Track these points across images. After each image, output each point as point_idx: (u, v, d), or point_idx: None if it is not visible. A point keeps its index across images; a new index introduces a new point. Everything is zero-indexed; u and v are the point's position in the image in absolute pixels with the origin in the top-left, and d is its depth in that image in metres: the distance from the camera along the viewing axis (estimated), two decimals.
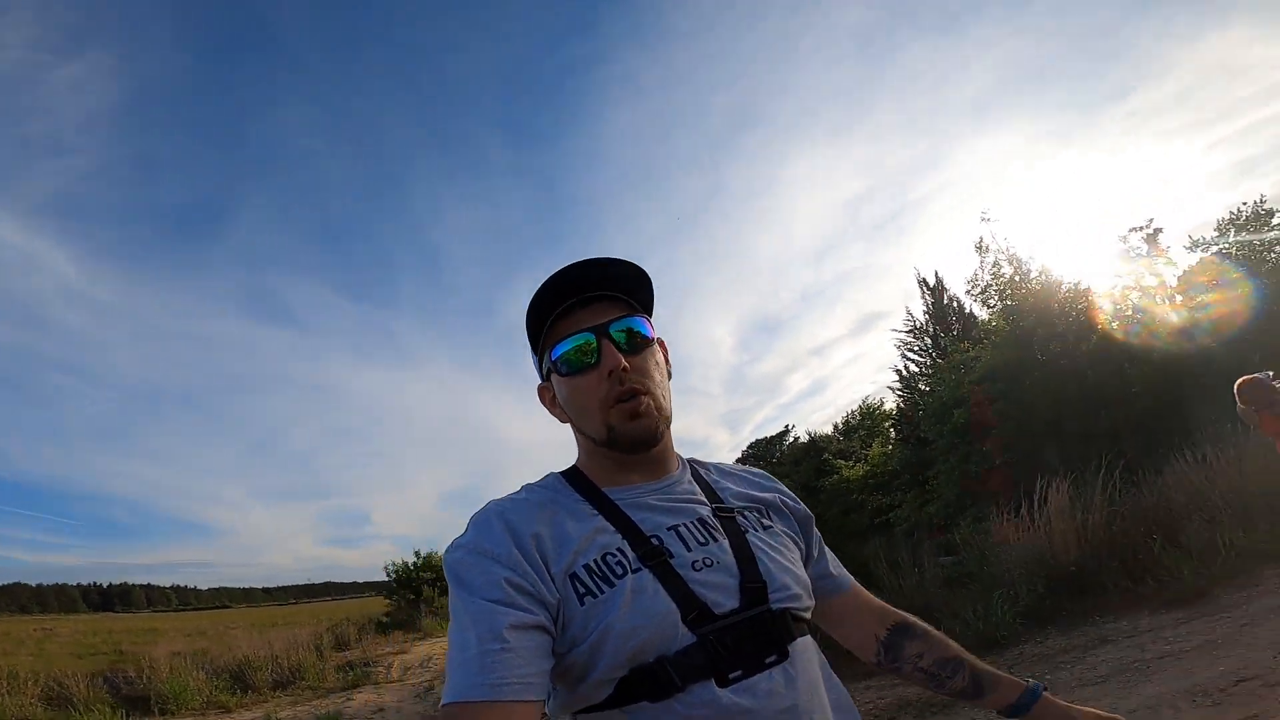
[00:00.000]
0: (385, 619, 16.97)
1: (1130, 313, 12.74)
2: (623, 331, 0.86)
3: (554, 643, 0.74)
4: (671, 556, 0.79)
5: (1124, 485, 6.45)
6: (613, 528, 0.82)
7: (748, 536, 0.85)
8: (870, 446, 17.89)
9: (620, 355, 0.84)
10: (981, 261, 12.30)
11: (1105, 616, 4.76)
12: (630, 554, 0.79)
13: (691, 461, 0.98)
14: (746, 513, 0.90)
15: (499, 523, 0.79)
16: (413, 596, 18.54)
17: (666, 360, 0.95)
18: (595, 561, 0.78)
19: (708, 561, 0.80)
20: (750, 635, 0.76)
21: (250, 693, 8.23)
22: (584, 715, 0.78)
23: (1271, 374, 4.77)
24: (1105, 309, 12.26)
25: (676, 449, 0.96)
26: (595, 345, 0.85)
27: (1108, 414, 10.20)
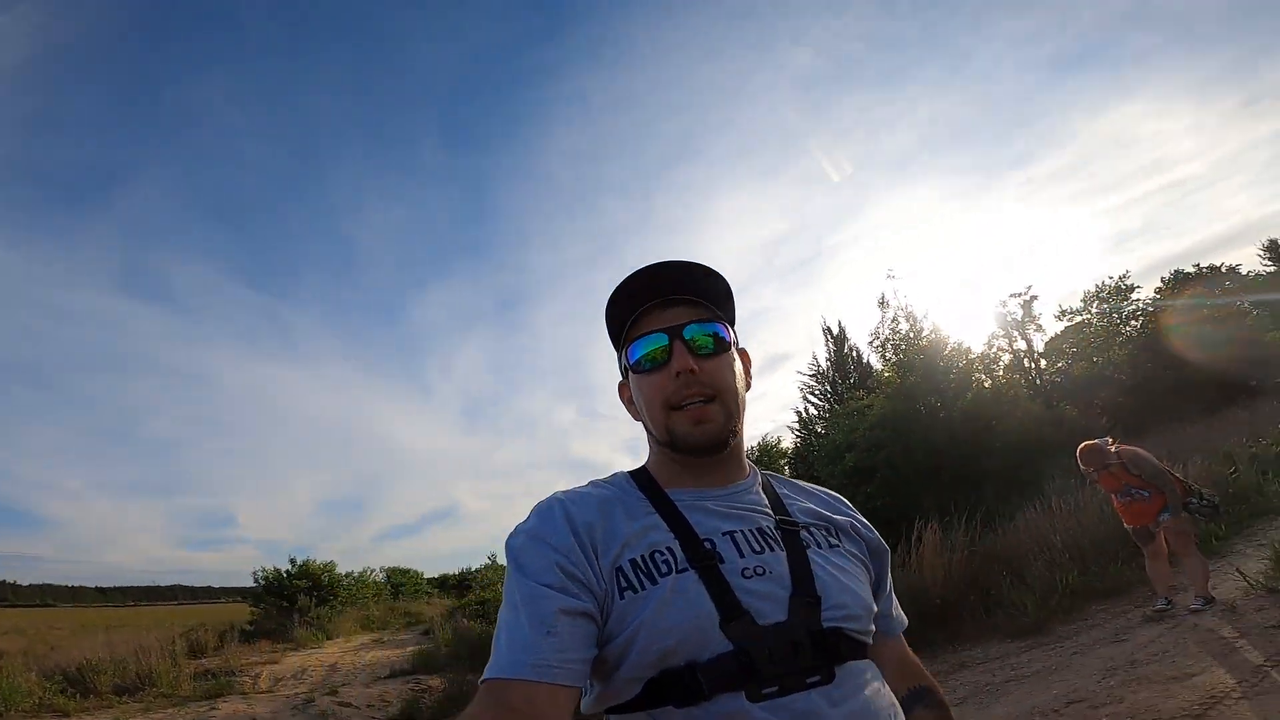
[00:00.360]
0: (249, 627, 15.73)
1: (1000, 374, 14.33)
2: (697, 335, 0.86)
3: (599, 632, 0.74)
4: (722, 561, 0.77)
5: (985, 528, 7.24)
6: (666, 526, 0.81)
7: (809, 552, 0.82)
8: None
9: (690, 358, 0.84)
10: (882, 316, 13.42)
11: (964, 644, 5.34)
12: (679, 554, 0.78)
13: (765, 474, 0.96)
14: (813, 529, 0.87)
15: (560, 511, 0.81)
16: (285, 604, 17.33)
17: (747, 371, 0.95)
18: (642, 557, 0.78)
19: (759, 570, 0.77)
20: (794, 650, 0.73)
21: (91, 697, 7.41)
22: (614, 714, 0.77)
23: (1110, 440, 5.61)
24: (980, 369, 13.74)
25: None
26: (668, 346, 0.85)
27: (976, 465, 11.38)
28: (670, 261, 0.87)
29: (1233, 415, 12.96)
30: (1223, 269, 32.98)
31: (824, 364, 18.55)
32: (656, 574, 0.76)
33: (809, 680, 0.72)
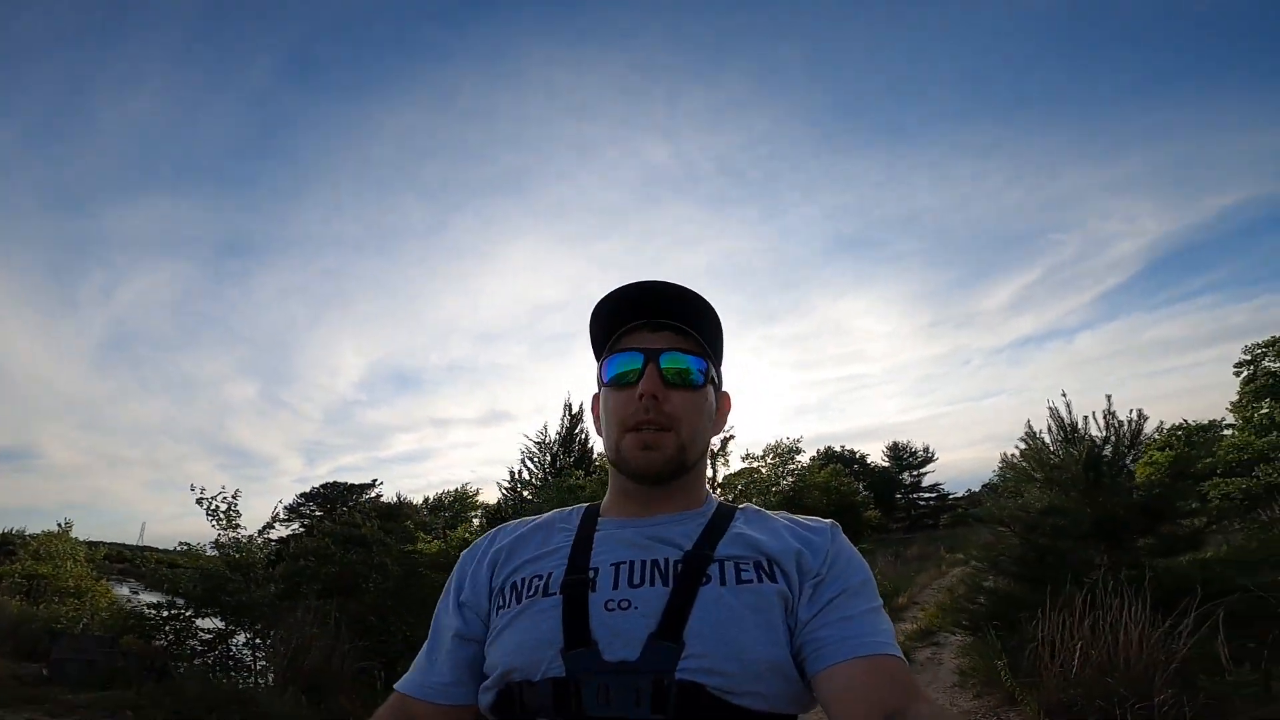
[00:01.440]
0: None
1: None
2: (674, 364, 0.84)
3: (483, 655, 0.81)
4: (594, 590, 0.76)
5: None
6: (565, 553, 0.82)
7: (705, 589, 0.74)
8: (455, 528, 17.98)
9: (659, 384, 0.82)
10: None
11: None
12: (556, 579, 0.78)
13: (746, 507, 0.90)
14: (732, 563, 0.77)
15: (488, 538, 0.92)
16: None
17: (722, 414, 0.94)
18: (523, 579, 0.81)
19: (621, 604, 0.74)
20: (631, 695, 0.67)
21: None
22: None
23: None
24: None
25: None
26: (641, 368, 0.83)
27: None
28: (668, 283, 0.85)
29: None
30: (856, 454, 43.10)
31: (554, 435, 18.94)
32: (525, 595, 0.79)
33: None
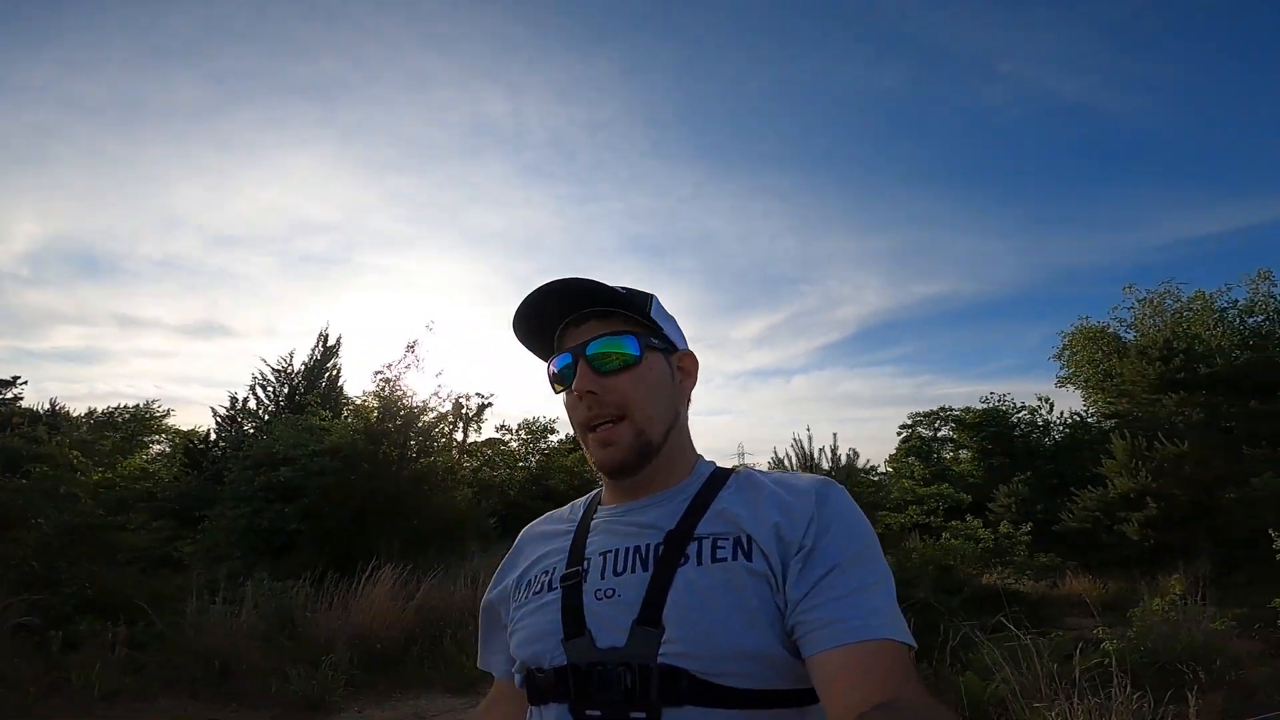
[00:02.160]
0: None
1: (450, 452, 15.63)
2: (601, 350, 0.83)
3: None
4: (586, 581, 0.80)
5: (433, 584, 7.52)
6: (567, 547, 0.86)
7: (682, 570, 0.74)
8: (130, 455, 14.77)
9: (592, 377, 0.82)
10: (402, 359, 13.15)
11: (410, 693, 5.26)
12: (558, 573, 0.83)
13: (741, 472, 0.89)
14: (710, 541, 0.77)
15: (521, 538, 0.99)
16: None
17: (685, 371, 0.92)
18: (535, 575, 0.87)
19: (608, 593, 0.77)
20: (620, 680, 0.70)
21: None
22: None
23: None
24: (444, 441, 14.74)
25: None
26: (572, 364, 0.84)
27: (411, 523, 11.77)
28: (578, 278, 0.84)
29: None
30: None
31: (299, 365, 16.56)
32: (533, 590, 0.85)
33: (632, 715, 0.69)
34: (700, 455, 0.93)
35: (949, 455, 22.42)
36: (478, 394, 14.46)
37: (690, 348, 0.95)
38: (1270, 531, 6.87)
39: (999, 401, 22.06)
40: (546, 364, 0.90)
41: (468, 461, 14.76)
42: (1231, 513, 12.48)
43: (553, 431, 32.61)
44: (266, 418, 15.37)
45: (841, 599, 0.69)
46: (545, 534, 0.94)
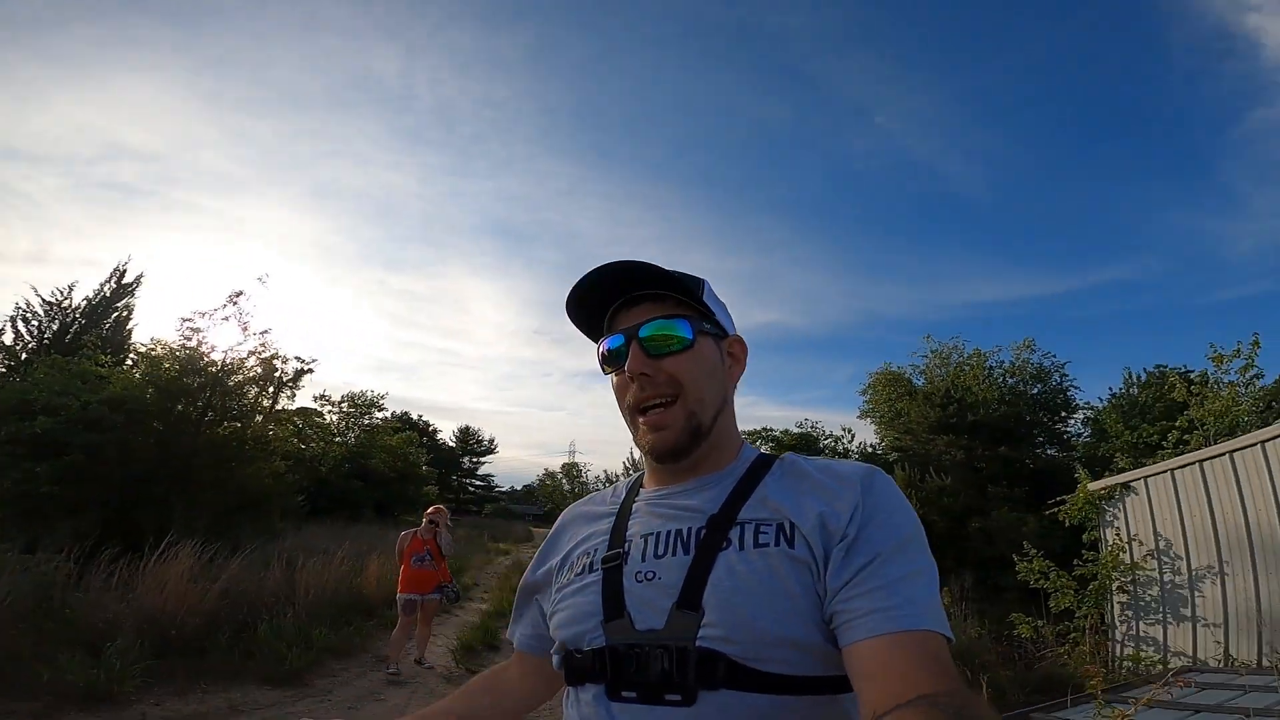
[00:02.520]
0: None
1: (259, 420, 13.91)
2: (655, 333, 0.83)
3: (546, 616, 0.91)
4: (626, 564, 0.80)
5: (241, 566, 6.68)
6: (609, 529, 0.87)
7: (723, 555, 0.74)
8: None
9: (644, 360, 0.82)
10: (220, 309, 11.48)
11: (218, 684, 4.60)
12: (599, 555, 0.84)
13: (786, 458, 0.87)
14: (752, 527, 0.76)
15: (561, 515, 1.01)
16: None
17: (738, 359, 0.93)
18: (576, 556, 0.88)
19: (648, 575, 0.77)
20: (657, 662, 0.71)
21: None
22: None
23: (442, 509, 6.57)
24: (256, 408, 13.08)
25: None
26: (624, 346, 0.84)
27: (209, 493, 10.29)
28: (633, 260, 0.83)
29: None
30: (430, 427, 42.83)
31: (80, 301, 13.75)
32: (574, 572, 0.86)
33: (668, 697, 0.69)
34: (745, 440, 0.92)
35: None
36: (296, 358, 13.05)
37: (738, 333, 0.94)
38: (1014, 556, 8.52)
39: (811, 428, 24.68)
40: (597, 345, 0.89)
41: (273, 430, 13.16)
42: (975, 539, 15.16)
43: (379, 408, 30.54)
44: (25, 356, 12.56)
45: (882, 588, 0.67)
46: (587, 515, 0.94)
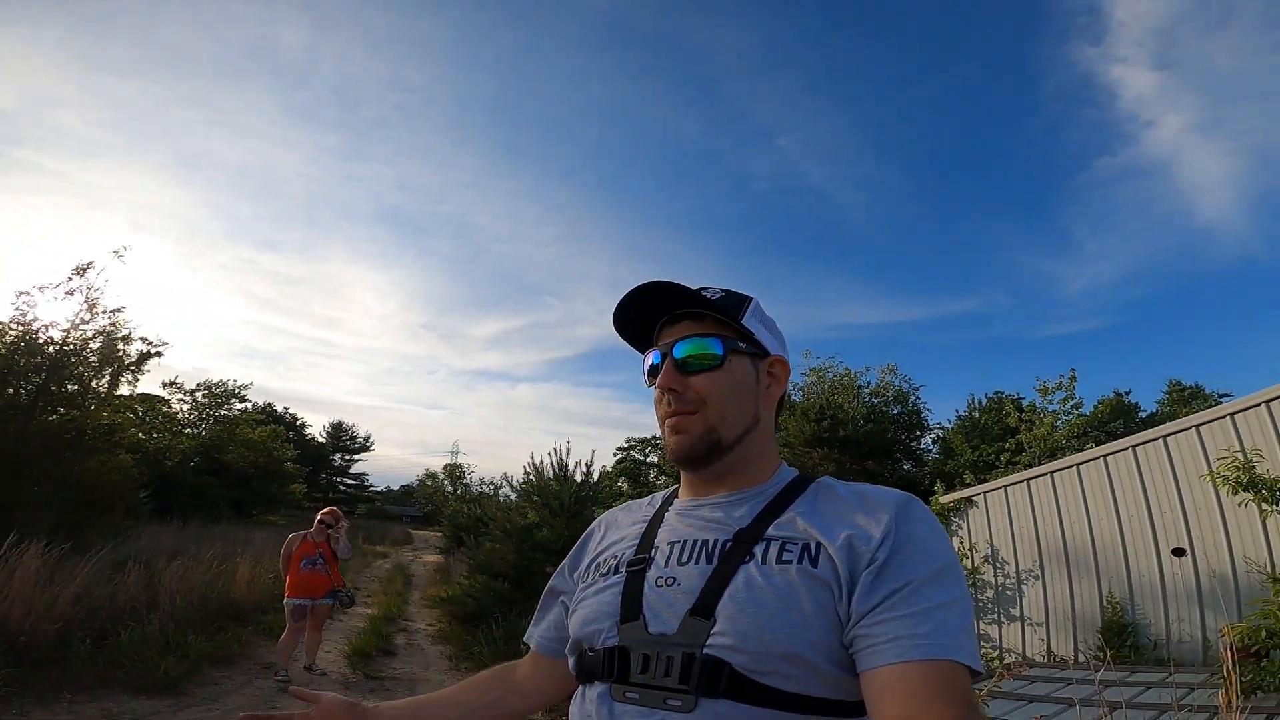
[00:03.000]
0: None
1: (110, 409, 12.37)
2: (690, 351, 0.87)
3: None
4: (650, 568, 0.82)
5: (97, 569, 6.03)
6: (638, 535, 0.90)
7: (745, 568, 0.75)
8: None
9: (675, 375, 0.86)
10: (64, 283, 10.09)
11: (83, 695, 4.14)
12: (626, 558, 0.86)
13: (821, 482, 0.87)
14: (777, 544, 0.77)
15: (596, 523, 1.05)
16: None
17: (778, 380, 0.93)
18: (604, 558, 0.90)
19: (669, 581, 0.79)
20: (663, 666, 0.72)
21: None
22: None
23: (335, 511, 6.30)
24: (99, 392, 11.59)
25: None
26: (661, 364, 0.88)
27: (46, 493, 9.03)
28: (673, 282, 0.87)
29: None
30: (298, 421, 39.76)
31: None
32: (600, 573, 0.88)
33: (669, 701, 0.70)
34: (783, 461, 0.94)
35: (655, 479, 25.28)
36: (142, 339, 11.72)
37: (785, 354, 0.95)
38: None
39: None
40: (643, 358, 0.94)
41: (115, 419, 11.73)
42: None
43: (239, 398, 27.86)
44: None
45: (912, 616, 0.67)
46: (621, 521, 0.97)
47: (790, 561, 0.73)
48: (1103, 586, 7.59)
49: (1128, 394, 21.13)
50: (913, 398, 21.91)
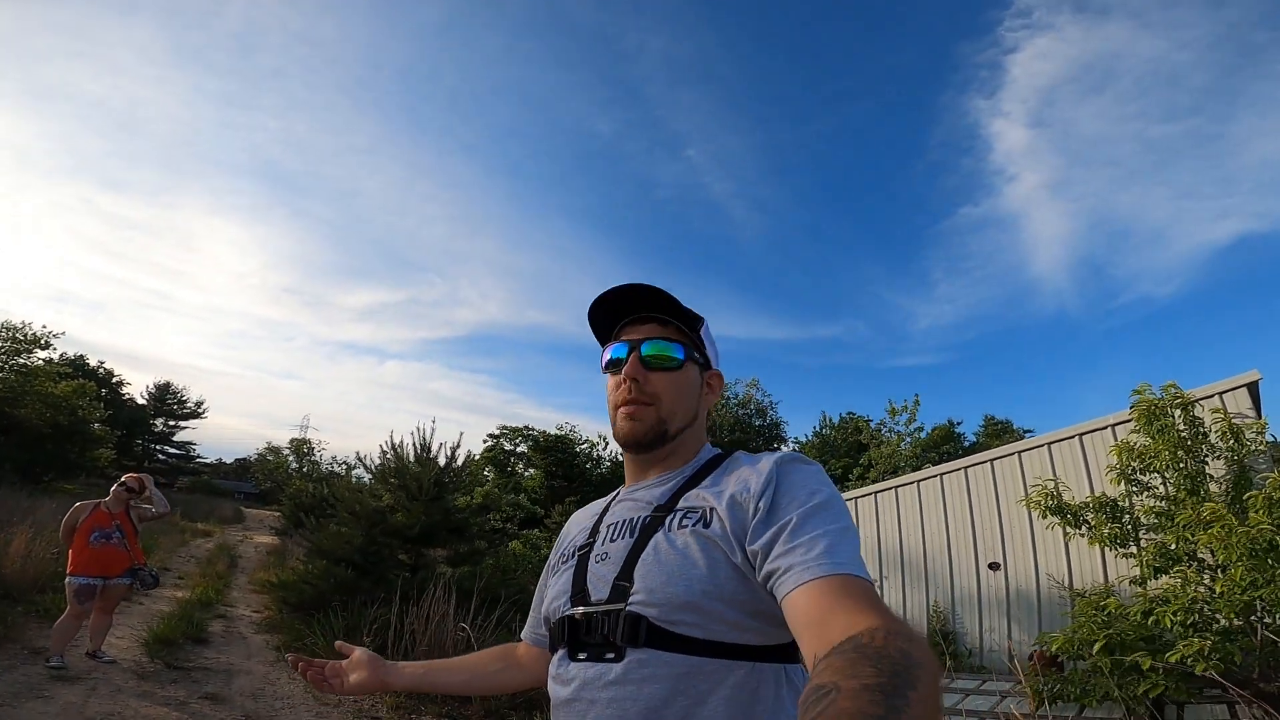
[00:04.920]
0: None
1: None
2: (654, 351, 0.97)
3: None
4: (592, 549, 0.94)
5: None
6: (593, 525, 1.00)
7: (656, 536, 0.86)
8: None
9: (639, 368, 0.96)
10: None
11: None
12: (580, 544, 0.98)
13: (731, 458, 0.97)
14: (682, 513, 0.87)
15: (567, 524, 1.13)
16: None
17: (714, 389, 1.07)
18: (565, 549, 1.03)
19: (601, 557, 0.91)
20: (599, 627, 0.84)
21: None
22: None
23: (145, 479, 5.42)
24: None
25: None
26: (626, 355, 0.98)
27: None
28: (654, 286, 0.98)
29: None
30: (115, 378, 34.58)
31: None
32: (561, 561, 1.02)
33: (606, 655, 0.82)
34: (707, 443, 1.05)
35: (522, 470, 24.70)
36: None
37: (720, 368, 1.10)
38: None
39: (570, 431, 25.52)
40: (604, 348, 1.03)
41: None
42: None
43: (43, 346, 23.67)
44: None
45: (801, 545, 0.72)
46: (581, 518, 1.09)
47: (687, 526, 0.85)
48: (930, 596, 8.33)
49: (959, 424, 23.77)
50: (771, 412, 23.24)
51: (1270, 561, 3.85)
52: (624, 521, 0.93)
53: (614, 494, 1.07)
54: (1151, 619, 4.26)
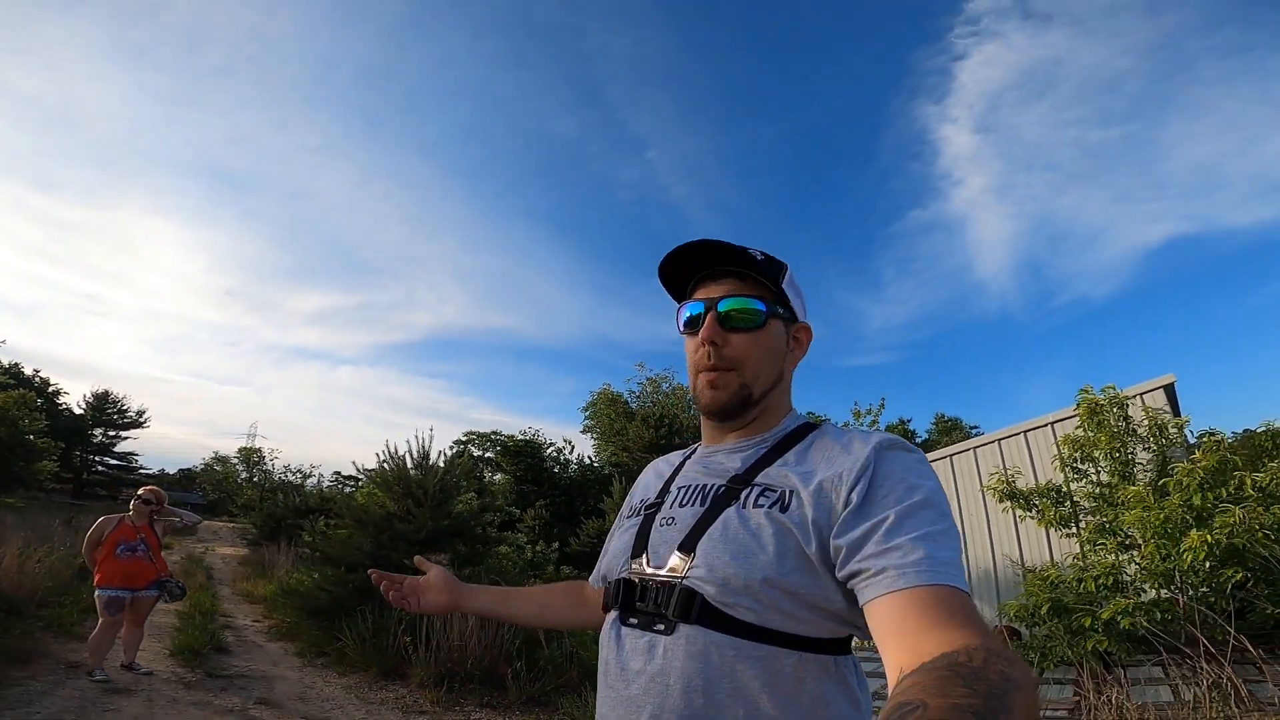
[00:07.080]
0: None
1: None
2: (733, 308, 0.90)
3: None
4: (660, 511, 0.91)
5: None
6: (663, 483, 0.98)
7: (729, 510, 0.82)
8: None
9: (717, 330, 0.89)
10: None
11: None
12: (649, 502, 0.95)
13: (818, 429, 0.91)
14: (760, 489, 0.83)
15: (642, 474, 1.10)
16: None
17: (801, 345, 0.98)
18: (635, 503, 1.01)
19: (668, 520, 0.88)
20: (655, 594, 0.81)
21: None
22: None
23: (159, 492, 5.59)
24: None
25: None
26: (702, 315, 0.91)
27: None
28: (723, 241, 0.91)
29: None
30: (51, 386, 32.71)
31: None
32: (626, 516, 1.00)
33: (655, 626, 0.79)
34: (794, 409, 0.98)
35: (489, 476, 24.70)
36: None
37: (809, 320, 1.00)
38: None
39: (535, 435, 25.70)
40: (679, 307, 0.97)
41: None
42: None
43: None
44: None
45: (898, 547, 0.67)
46: (658, 469, 1.07)
47: (763, 506, 0.80)
48: None
49: (910, 421, 25.08)
50: None
51: (1178, 536, 4.55)
52: (696, 487, 0.89)
53: (690, 449, 1.04)
54: (1081, 584, 4.99)
